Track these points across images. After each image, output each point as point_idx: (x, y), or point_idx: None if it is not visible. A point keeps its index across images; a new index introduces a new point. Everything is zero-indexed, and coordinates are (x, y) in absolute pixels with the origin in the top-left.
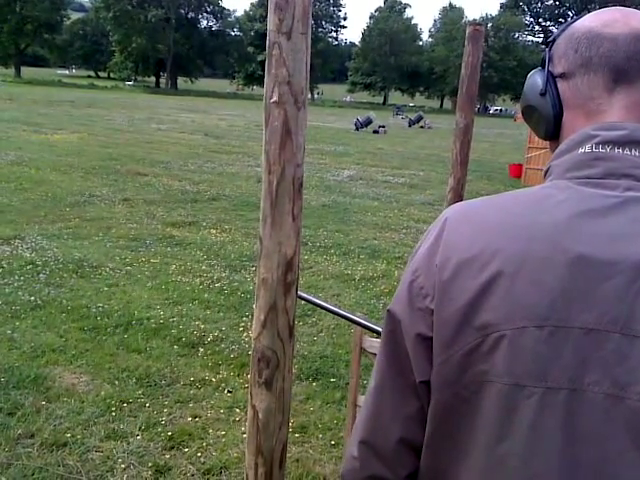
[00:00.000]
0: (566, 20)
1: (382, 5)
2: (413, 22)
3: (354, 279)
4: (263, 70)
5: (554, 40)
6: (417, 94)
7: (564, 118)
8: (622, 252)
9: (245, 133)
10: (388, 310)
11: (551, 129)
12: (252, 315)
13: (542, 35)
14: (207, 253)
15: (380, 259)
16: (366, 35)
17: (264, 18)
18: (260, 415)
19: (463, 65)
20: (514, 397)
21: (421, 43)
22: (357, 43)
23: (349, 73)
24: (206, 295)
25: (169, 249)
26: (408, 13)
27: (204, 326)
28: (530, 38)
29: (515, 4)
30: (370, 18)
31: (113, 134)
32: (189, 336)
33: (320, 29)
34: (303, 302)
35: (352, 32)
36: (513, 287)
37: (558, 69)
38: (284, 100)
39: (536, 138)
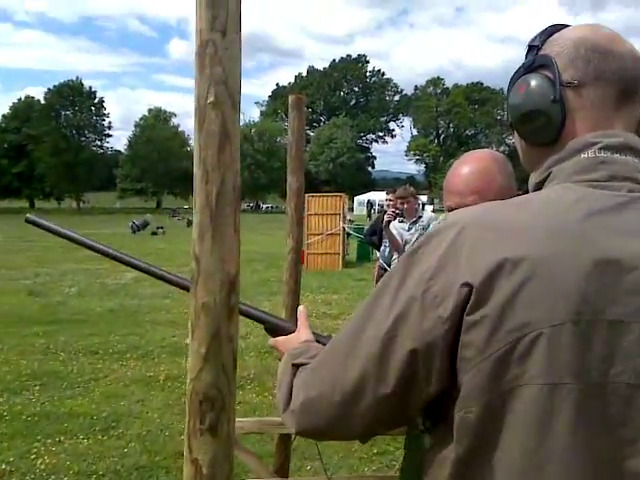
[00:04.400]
0: (319, 125)
1: (146, 114)
2: (180, 129)
3: (159, 380)
4: (20, 181)
5: (538, 48)
6: (191, 196)
7: (566, 125)
8: (638, 246)
9: (6, 247)
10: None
11: (555, 135)
12: (44, 438)
13: None
14: None
15: (183, 355)
16: (133, 143)
17: (18, 130)
18: (204, 469)
19: (290, 131)
20: (552, 398)
21: (189, 149)
22: (124, 150)
23: (117, 180)
24: None
25: None
26: (174, 121)
27: None
28: None
29: (274, 111)
30: (135, 127)
31: None
32: None
33: (83, 138)
34: (104, 414)
35: (118, 140)
36: (546, 285)
37: (566, 77)
38: (221, 101)
39: (313, 225)
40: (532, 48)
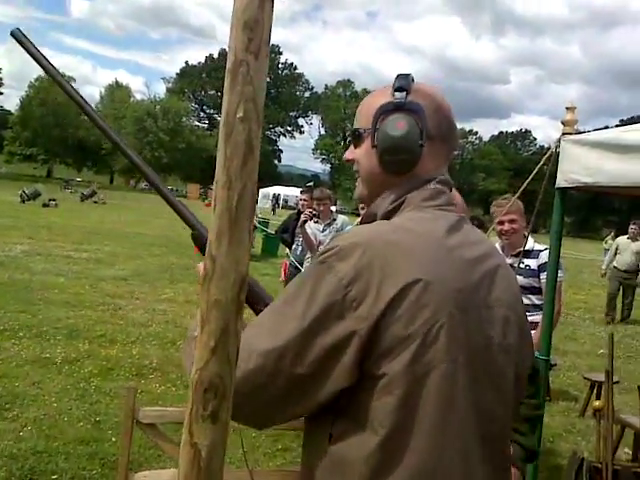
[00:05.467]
0: None
1: (43, 75)
2: None
3: (55, 363)
4: None
5: (407, 92)
6: (85, 169)
7: (418, 163)
8: (474, 252)
9: None
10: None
11: (409, 169)
12: None
13: (207, 121)
14: None
15: (81, 339)
16: (25, 104)
17: None
18: (203, 453)
19: None
20: (453, 372)
21: (87, 117)
22: (14, 111)
23: (5, 143)
24: None
25: None
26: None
27: None
28: (197, 123)
29: (181, 90)
30: (30, 87)
31: None
32: None
33: None
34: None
35: (7, 99)
36: (439, 288)
37: (428, 129)
38: (249, 117)
39: None
40: (401, 89)
